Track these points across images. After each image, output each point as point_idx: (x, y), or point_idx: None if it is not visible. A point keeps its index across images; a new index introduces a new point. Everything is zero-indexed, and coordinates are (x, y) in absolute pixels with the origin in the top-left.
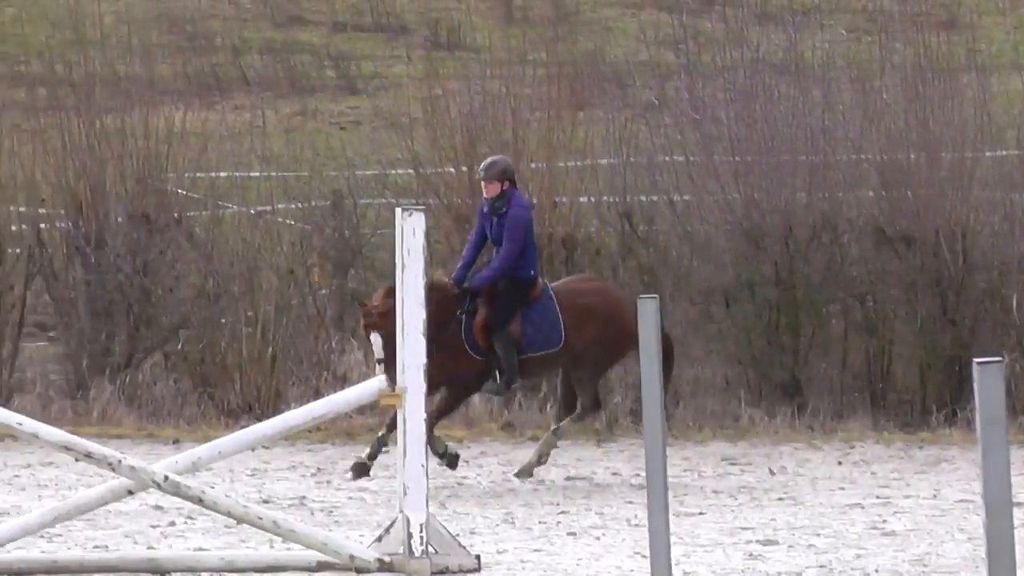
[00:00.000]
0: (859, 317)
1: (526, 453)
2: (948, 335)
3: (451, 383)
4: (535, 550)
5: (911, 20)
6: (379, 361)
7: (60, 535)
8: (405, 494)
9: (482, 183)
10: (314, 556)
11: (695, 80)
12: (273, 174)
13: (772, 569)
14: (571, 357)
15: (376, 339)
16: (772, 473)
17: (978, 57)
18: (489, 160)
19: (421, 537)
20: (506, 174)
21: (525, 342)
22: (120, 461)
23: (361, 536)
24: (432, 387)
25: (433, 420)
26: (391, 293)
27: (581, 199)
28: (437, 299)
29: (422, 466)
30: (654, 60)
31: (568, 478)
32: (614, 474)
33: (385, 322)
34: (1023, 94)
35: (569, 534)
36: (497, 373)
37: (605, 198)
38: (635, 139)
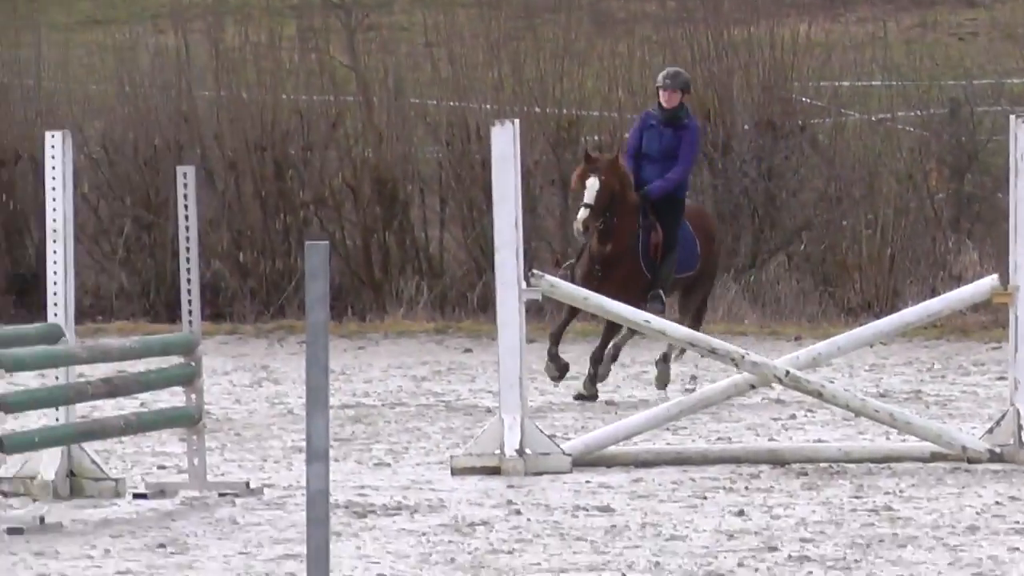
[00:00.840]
0: None
1: None
2: None
3: (622, 297)
4: None
5: None
6: (586, 206)
7: (685, 427)
8: (1016, 388)
9: (663, 92)
10: (928, 447)
11: None
12: (893, 83)
13: None
14: (697, 278)
15: (593, 183)
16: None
17: None
18: (672, 70)
19: None
20: (688, 86)
21: (679, 264)
22: (743, 356)
23: (973, 428)
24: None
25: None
26: (617, 158)
27: None
28: (622, 207)
29: None
30: None
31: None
32: None
33: (608, 173)
34: None
35: None
36: (661, 292)
37: None
38: None
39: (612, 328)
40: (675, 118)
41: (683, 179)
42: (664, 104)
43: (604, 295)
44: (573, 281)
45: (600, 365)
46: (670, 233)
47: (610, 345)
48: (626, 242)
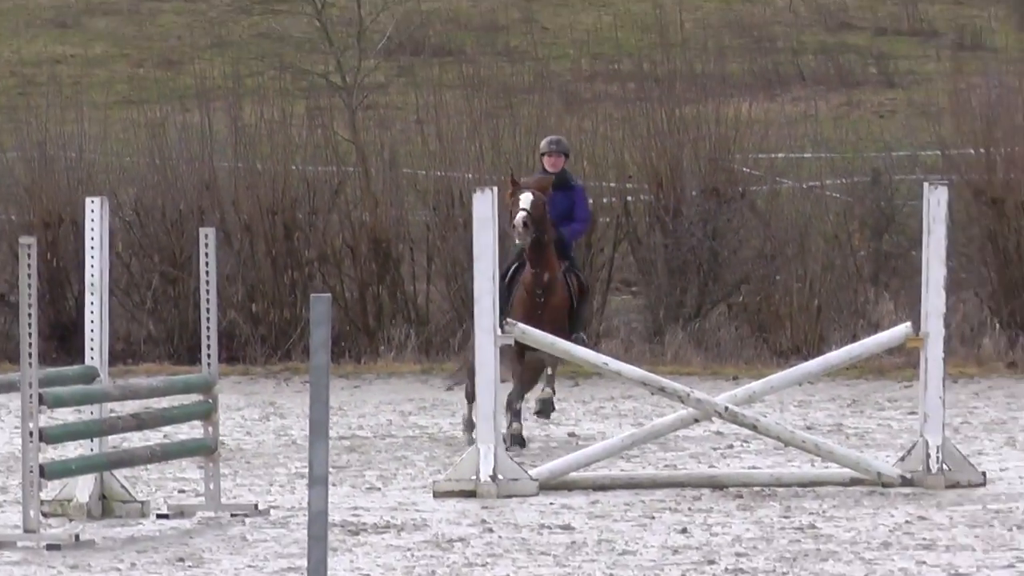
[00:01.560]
0: None
1: None
2: None
3: (560, 322)
4: None
5: None
6: (523, 210)
7: (637, 456)
8: (925, 421)
9: (548, 157)
10: (848, 473)
11: None
12: (822, 155)
13: None
14: None
15: (527, 195)
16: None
17: None
18: (555, 137)
19: (938, 457)
20: (568, 151)
21: None
22: (689, 394)
23: (887, 456)
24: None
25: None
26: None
27: None
28: (548, 233)
29: (940, 398)
30: None
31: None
32: None
33: (537, 190)
34: None
35: None
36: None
37: None
38: None
39: (531, 377)
40: (563, 181)
41: (585, 230)
42: (550, 169)
43: (545, 319)
44: (511, 314)
45: (517, 415)
46: (582, 280)
47: (532, 401)
48: (557, 271)
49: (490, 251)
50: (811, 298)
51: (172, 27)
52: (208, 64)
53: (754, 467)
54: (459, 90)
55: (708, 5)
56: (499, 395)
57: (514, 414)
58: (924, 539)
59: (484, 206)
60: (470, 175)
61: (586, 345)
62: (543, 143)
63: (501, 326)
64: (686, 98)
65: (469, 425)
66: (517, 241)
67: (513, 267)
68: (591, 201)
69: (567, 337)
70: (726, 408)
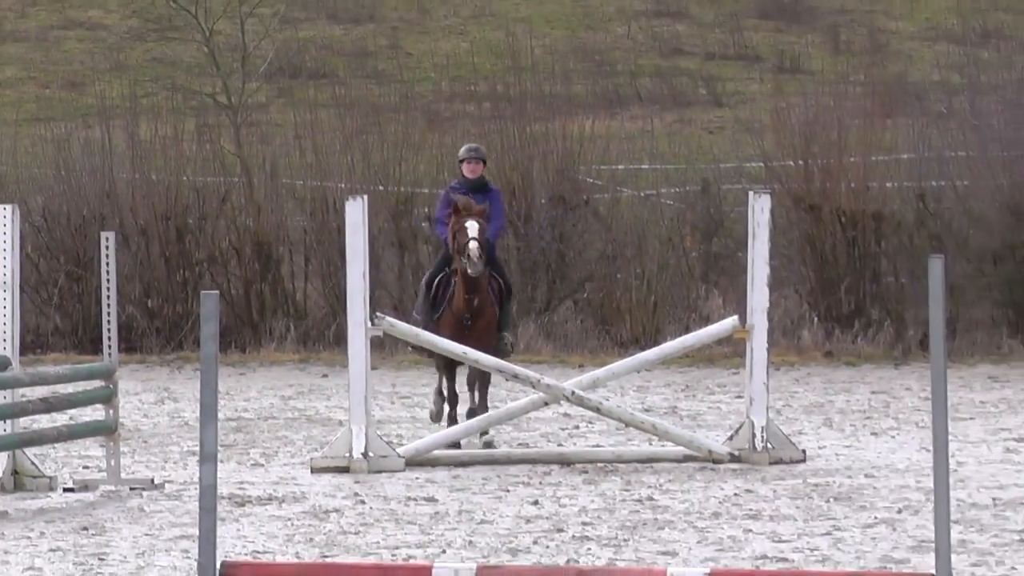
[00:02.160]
0: None
1: (848, 373)
2: None
3: (487, 340)
4: (846, 446)
5: None
6: (474, 239)
7: (493, 434)
8: (751, 404)
9: (467, 164)
10: (682, 451)
11: (975, 95)
12: (658, 166)
13: (1021, 460)
14: None
15: (473, 224)
16: None
17: None
18: (473, 145)
19: (762, 436)
20: (485, 157)
21: None
22: (539, 380)
23: (717, 436)
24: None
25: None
26: (484, 207)
27: (887, 184)
28: (480, 284)
29: (764, 383)
30: (944, 80)
31: (873, 392)
32: (907, 389)
33: (482, 219)
34: None
35: (872, 434)
36: (506, 334)
37: (905, 183)
38: (928, 140)
39: (452, 364)
40: (480, 185)
41: (502, 230)
42: (468, 175)
43: (472, 339)
44: (439, 332)
45: (453, 406)
46: (506, 280)
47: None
48: (486, 292)
49: (360, 253)
50: (648, 294)
51: (75, 52)
52: (108, 86)
53: (598, 445)
54: (332, 109)
55: (555, 33)
56: (370, 382)
57: (440, 395)
58: (750, 510)
59: (355, 212)
60: (343, 185)
61: (513, 344)
62: (462, 151)
63: (372, 319)
64: (535, 116)
65: (437, 414)
66: (469, 271)
67: (439, 277)
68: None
69: (494, 350)
70: (572, 392)
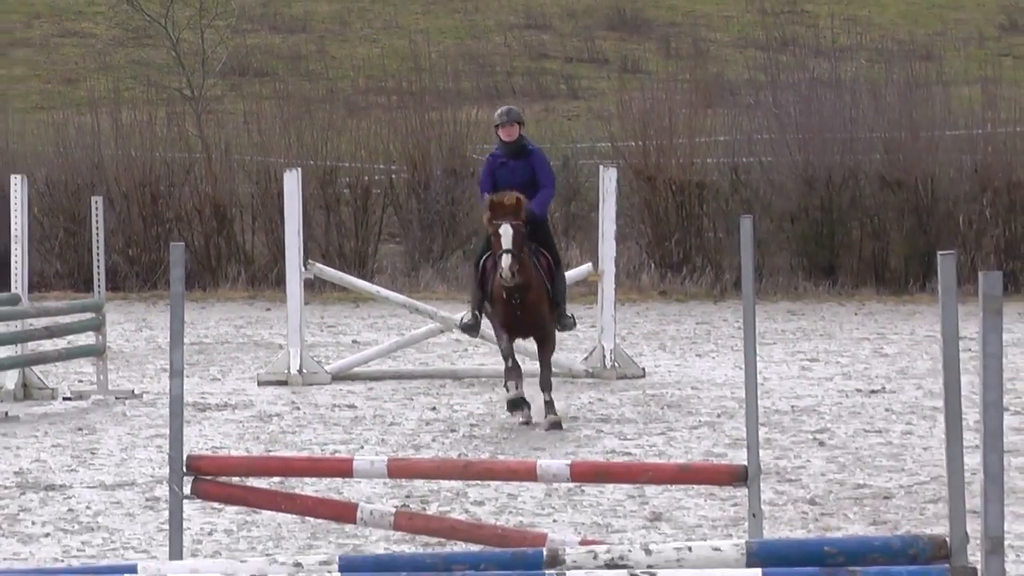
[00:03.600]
0: (869, 229)
1: (678, 308)
2: (922, 239)
3: (539, 318)
4: (676, 365)
5: (904, 53)
6: (507, 251)
7: (400, 356)
8: (602, 331)
9: (502, 128)
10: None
11: (775, 90)
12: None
13: (814, 374)
14: None
15: (507, 230)
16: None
17: (944, 77)
18: (505, 107)
19: (611, 357)
20: (521, 118)
21: None
22: (436, 313)
23: (575, 356)
24: (521, 330)
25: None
26: (518, 199)
27: (708, 160)
28: (523, 266)
29: (612, 316)
30: (752, 79)
31: (697, 323)
32: (724, 320)
33: (515, 216)
34: (969, 99)
35: (697, 355)
36: (563, 308)
37: (722, 159)
38: (740, 125)
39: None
40: (520, 149)
41: (552, 198)
42: (505, 139)
43: (524, 320)
44: (493, 310)
45: (519, 377)
46: (553, 251)
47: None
48: (531, 269)
49: (296, 213)
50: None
51: (70, 55)
52: (96, 82)
53: (483, 364)
54: (273, 101)
55: (447, 41)
56: (303, 314)
57: (513, 403)
58: (601, 415)
59: (291, 182)
60: (281, 160)
61: (572, 320)
62: (496, 115)
63: (304, 265)
64: (432, 107)
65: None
66: (501, 283)
67: (486, 255)
68: (551, 163)
69: (550, 328)
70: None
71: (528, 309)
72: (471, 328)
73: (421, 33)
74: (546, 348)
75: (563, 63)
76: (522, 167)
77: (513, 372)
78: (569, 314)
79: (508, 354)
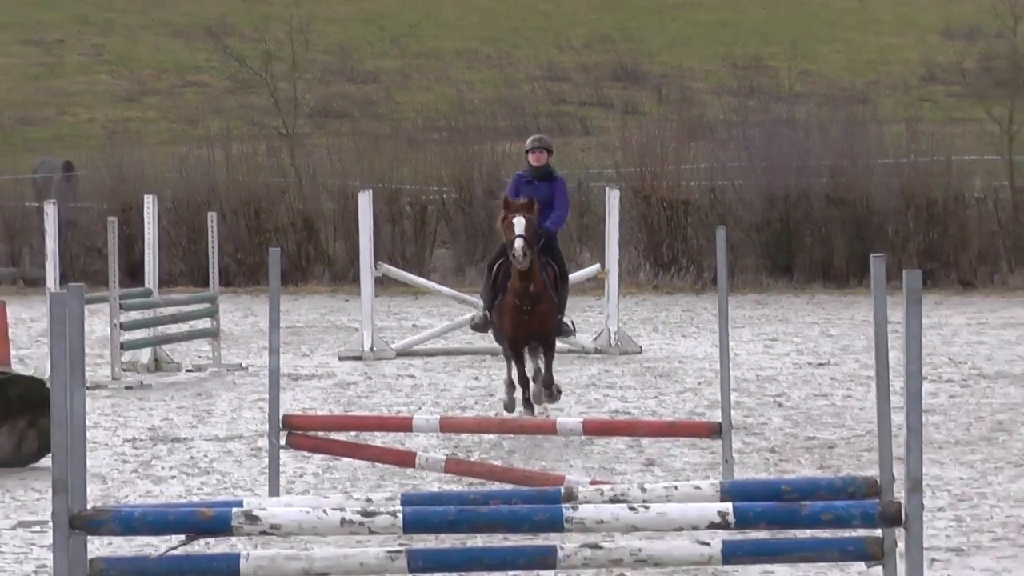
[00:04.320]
0: (818, 237)
1: (667, 299)
2: (859, 245)
3: (545, 326)
4: (667, 343)
5: (845, 99)
6: (520, 236)
7: (450, 337)
8: (608, 317)
9: (532, 153)
10: (566, 347)
11: (745, 128)
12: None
13: (775, 351)
14: None
15: (520, 220)
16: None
17: (877, 117)
18: (538, 136)
19: (615, 337)
20: (551, 147)
21: None
22: (478, 303)
23: (587, 336)
24: (529, 334)
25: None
26: (531, 201)
27: (691, 182)
28: (534, 273)
29: (615, 305)
30: (727, 119)
31: (683, 311)
32: (704, 309)
33: (529, 212)
34: (896, 135)
35: (683, 336)
36: (563, 318)
37: (702, 182)
38: (716, 155)
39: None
40: (546, 173)
41: (565, 218)
42: (534, 163)
43: (533, 327)
44: (496, 322)
45: (525, 387)
46: (561, 264)
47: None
48: (541, 279)
49: (368, 225)
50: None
51: (192, 101)
52: (211, 122)
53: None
54: (349, 137)
55: (486, 89)
56: (373, 304)
57: (510, 385)
58: (607, 382)
59: (364, 201)
60: (356, 183)
61: (571, 328)
62: (528, 141)
63: (375, 266)
64: (474, 141)
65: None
66: (515, 265)
67: (499, 262)
68: (569, 188)
69: (554, 338)
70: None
71: (536, 318)
72: (480, 327)
73: (466, 83)
74: (549, 354)
75: (577, 106)
76: (545, 188)
77: (521, 383)
78: (568, 322)
79: (517, 377)
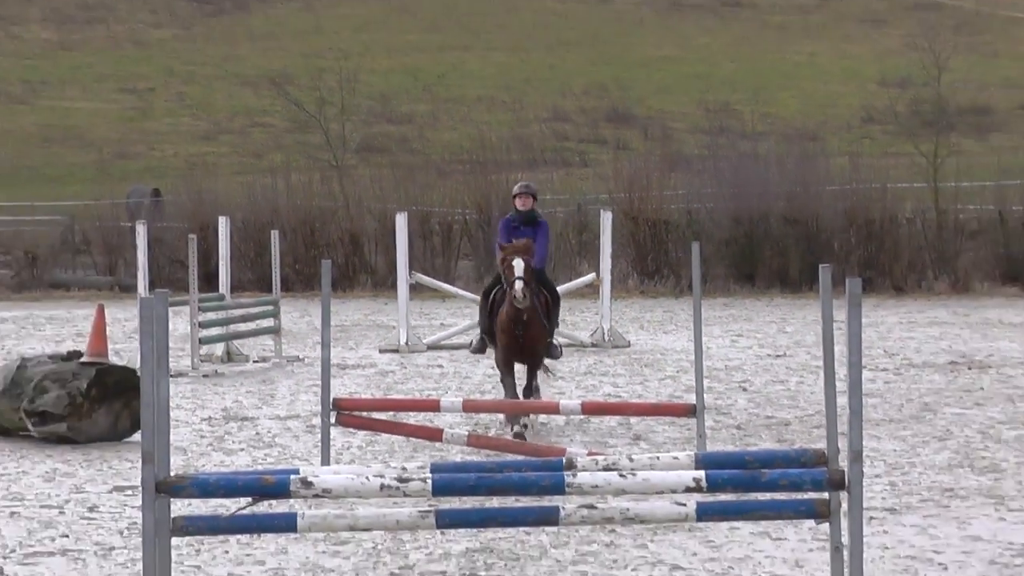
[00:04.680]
0: (776, 251)
1: (652, 302)
2: (810, 257)
3: (537, 347)
4: (651, 339)
5: (799, 136)
6: (519, 278)
7: (471, 333)
8: (602, 317)
9: (519, 198)
10: (567, 341)
11: (716, 161)
12: (555, 197)
13: (740, 345)
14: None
15: (519, 263)
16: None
17: (825, 151)
18: (524, 182)
19: (608, 333)
20: (536, 193)
21: None
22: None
23: (585, 333)
24: (523, 356)
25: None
26: (529, 243)
27: (671, 206)
28: (529, 265)
29: (608, 307)
30: (700, 153)
31: (664, 311)
32: (682, 310)
33: (527, 254)
34: (841, 166)
35: (664, 332)
36: (552, 341)
37: (680, 206)
38: (692, 184)
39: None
40: (531, 217)
41: (547, 257)
42: (520, 207)
43: (525, 349)
44: (494, 342)
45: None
46: (552, 291)
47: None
48: (534, 306)
49: (404, 241)
50: (551, 262)
51: (258, 139)
52: (274, 156)
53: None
54: (389, 168)
55: (502, 128)
56: (408, 307)
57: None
58: (601, 371)
59: (401, 221)
60: (394, 206)
61: (559, 348)
62: (516, 187)
63: (409, 274)
64: (492, 172)
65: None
66: (516, 305)
67: (496, 289)
68: (550, 237)
69: (542, 358)
70: None
71: (528, 340)
72: (479, 351)
73: (485, 124)
74: (535, 371)
75: (577, 143)
76: (530, 233)
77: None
78: (557, 344)
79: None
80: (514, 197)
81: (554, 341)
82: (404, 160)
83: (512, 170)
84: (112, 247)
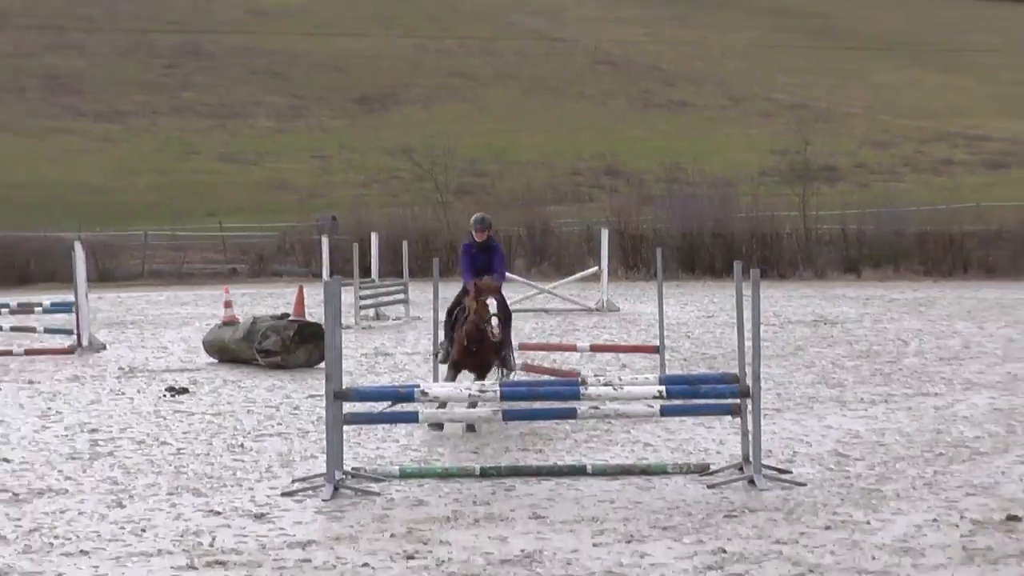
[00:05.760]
0: (708, 254)
1: (633, 284)
2: (729, 257)
3: (490, 358)
4: (631, 307)
5: (722, 183)
6: (494, 315)
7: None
8: (603, 295)
9: (476, 232)
10: (574, 307)
11: (672, 198)
12: (567, 221)
13: (687, 311)
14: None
15: (492, 303)
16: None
17: (739, 192)
18: (481, 215)
19: (608, 305)
20: (491, 225)
21: None
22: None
23: (591, 304)
24: (475, 367)
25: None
26: (498, 285)
27: (645, 226)
28: (499, 303)
29: (605, 287)
30: (664, 190)
31: (641, 291)
32: (651, 289)
33: (497, 293)
34: (749, 201)
35: (640, 303)
36: (505, 352)
37: (655, 226)
38: (658, 213)
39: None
40: (487, 247)
41: (504, 276)
42: (478, 238)
43: (475, 361)
44: (456, 348)
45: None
46: (505, 308)
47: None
48: (505, 337)
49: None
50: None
51: (395, 185)
52: (404, 196)
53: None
54: (473, 203)
55: (543, 179)
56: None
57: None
58: (601, 326)
59: (470, 239)
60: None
61: (513, 364)
62: (472, 220)
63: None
64: (535, 205)
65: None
66: (491, 338)
67: (456, 309)
68: (504, 258)
69: (488, 371)
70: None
71: (480, 355)
72: (445, 360)
73: (534, 177)
74: (483, 379)
75: (587, 188)
76: (487, 257)
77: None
78: (512, 358)
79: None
80: (473, 228)
81: (512, 355)
82: (482, 199)
83: (548, 204)
84: (308, 251)
